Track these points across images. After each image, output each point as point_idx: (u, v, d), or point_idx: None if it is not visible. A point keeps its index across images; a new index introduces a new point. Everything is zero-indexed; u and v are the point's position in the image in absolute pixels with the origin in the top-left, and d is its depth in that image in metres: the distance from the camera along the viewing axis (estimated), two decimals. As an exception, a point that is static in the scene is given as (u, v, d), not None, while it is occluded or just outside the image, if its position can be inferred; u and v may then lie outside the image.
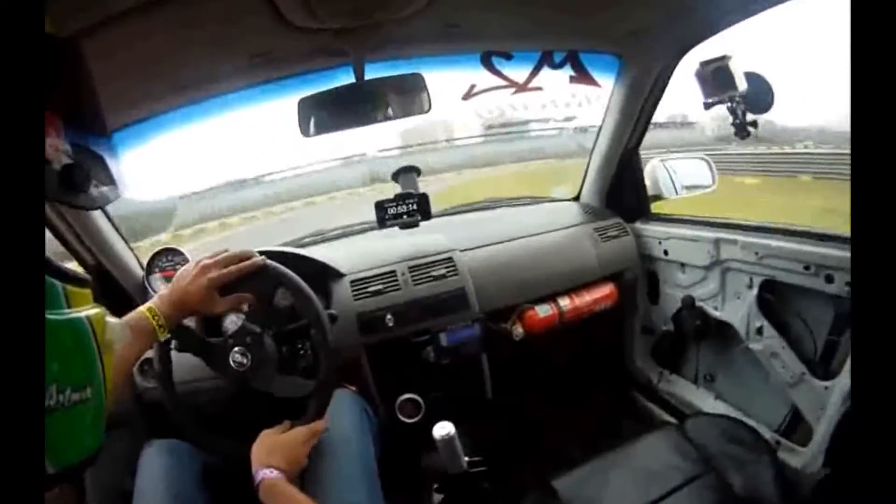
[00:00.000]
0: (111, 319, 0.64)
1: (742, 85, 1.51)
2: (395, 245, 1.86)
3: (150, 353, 1.31)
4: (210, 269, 1.21)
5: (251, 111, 1.60)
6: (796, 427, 1.58)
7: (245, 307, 1.35)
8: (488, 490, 1.54)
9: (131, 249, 1.76)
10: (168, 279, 1.69)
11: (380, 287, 1.72)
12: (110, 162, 0.72)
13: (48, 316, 0.53)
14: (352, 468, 1.23)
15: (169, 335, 1.18)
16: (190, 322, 1.48)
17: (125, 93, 1.28)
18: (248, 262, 1.25)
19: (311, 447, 1.20)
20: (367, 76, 1.39)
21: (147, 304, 1.13)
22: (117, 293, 1.69)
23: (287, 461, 1.12)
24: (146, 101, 1.40)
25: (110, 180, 0.72)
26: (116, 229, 1.66)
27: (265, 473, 1.07)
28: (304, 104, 1.37)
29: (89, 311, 0.60)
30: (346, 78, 1.39)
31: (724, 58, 1.52)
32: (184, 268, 1.24)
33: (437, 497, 1.56)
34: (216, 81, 1.41)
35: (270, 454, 1.13)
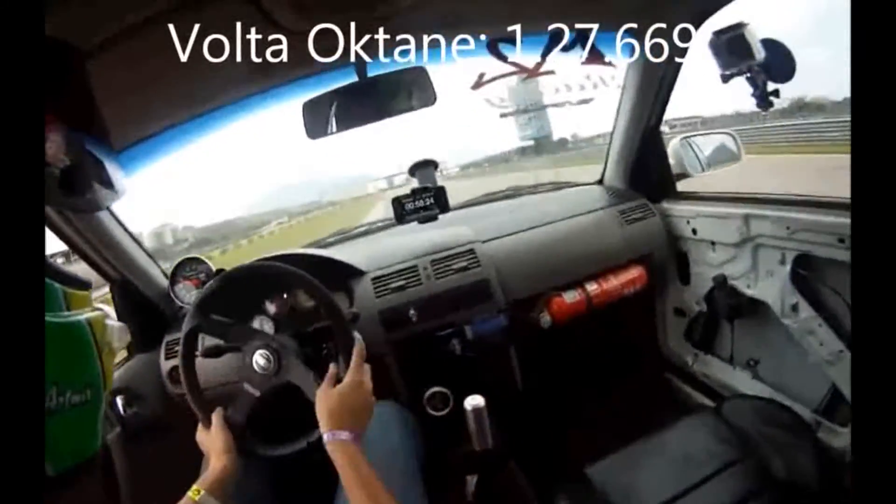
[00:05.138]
0: (111, 322, 0.62)
1: (760, 53, 1.39)
2: (416, 240, 1.80)
3: (177, 361, 1.30)
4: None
5: (254, 121, 1.53)
6: (837, 407, 1.46)
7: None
8: (515, 470, 1.48)
9: (154, 261, 1.74)
10: (195, 287, 1.68)
11: (401, 283, 1.65)
12: (109, 165, 0.70)
13: (48, 318, 0.52)
14: (400, 483, 1.15)
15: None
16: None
17: (123, 112, 1.22)
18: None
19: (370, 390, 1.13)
20: (371, 73, 1.32)
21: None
22: (143, 305, 1.67)
23: (354, 419, 1.05)
24: (145, 119, 1.36)
25: (109, 183, 0.71)
26: (137, 242, 1.64)
27: (332, 436, 1.01)
28: (308, 107, 1.31)
29: (89, 313, 0.59)
30: (349, 78, 1.32)
31: (739, 26, 1.40)
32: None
33: (472, 481, 1.50)
34: (215, 95, 1.36)
35: (334, 415, 1.04)
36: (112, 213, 1.50)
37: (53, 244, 1.35)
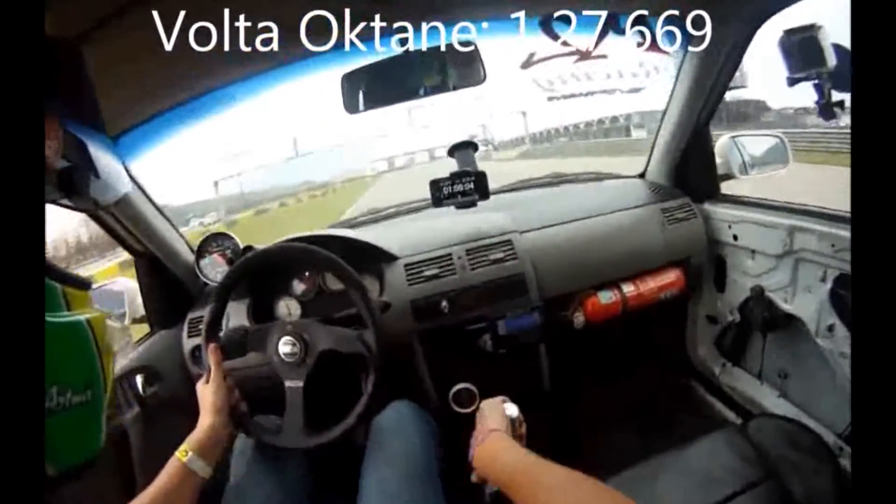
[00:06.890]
0: (111, 323, 0.56)
1: (832, 60, 1.27)
2: (452, 225, 1.70)
3: (199, 340, 1.25)
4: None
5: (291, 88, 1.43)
6: None
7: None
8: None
9: (180, 235, 1.66)
10: (222, 261, 1.62)
11: (435, 271, 1.56)
12: (110, 162, 0.70)
13: (48, 319, 0.50)
14: (418, 484, 1.11)
15: (211, 469, 1.03)
16: (241, 315, 1.44)
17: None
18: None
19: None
20: (415, 47, 1.22)
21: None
22: (167, 280, 1.60)
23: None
24: (174, 89, 1.27)
25: (110, 181, 0.71)
26: (163, 214, 1.56)
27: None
28: (348, 79, 1.22)
29: (89, 313, 0.58)
30: (390, 50, 1.22)
31: (812, 27, 1.28)
32: None
33: (490, 487, 1.43)
34: (251, 61, 1.24)
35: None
36: (139, 186, 1.43)
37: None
